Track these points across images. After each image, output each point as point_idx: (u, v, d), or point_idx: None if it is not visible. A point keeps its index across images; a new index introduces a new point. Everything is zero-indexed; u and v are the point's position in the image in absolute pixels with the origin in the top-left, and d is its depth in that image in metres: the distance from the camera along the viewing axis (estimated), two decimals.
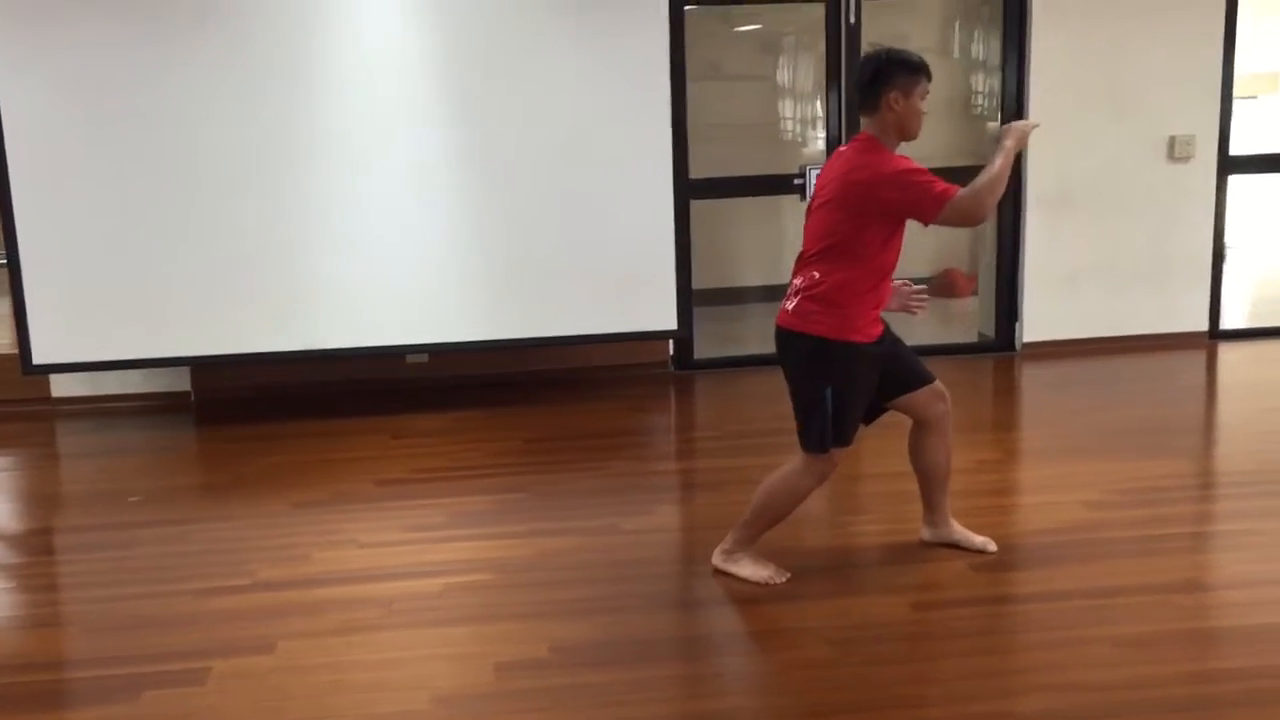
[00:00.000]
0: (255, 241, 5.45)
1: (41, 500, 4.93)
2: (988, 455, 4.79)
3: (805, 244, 3.44)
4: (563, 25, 5.48)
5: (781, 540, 3.69)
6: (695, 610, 3.57)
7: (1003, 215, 6.43)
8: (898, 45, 3.42)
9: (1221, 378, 6.26)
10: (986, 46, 6.87)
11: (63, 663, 3.38)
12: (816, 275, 3.37)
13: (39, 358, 5.46)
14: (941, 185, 3.23)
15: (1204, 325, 6.60)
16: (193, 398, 6.04)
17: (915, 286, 3.64)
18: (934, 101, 3.47)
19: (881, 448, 4.30)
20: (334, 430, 5.43)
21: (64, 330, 5.45)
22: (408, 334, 5.64)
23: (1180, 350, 6.45)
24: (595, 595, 3.56)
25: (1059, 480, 4.42)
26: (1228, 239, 6.67)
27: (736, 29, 7.91)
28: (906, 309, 3.64)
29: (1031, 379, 6.25)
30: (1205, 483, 4.61)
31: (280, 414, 5.74)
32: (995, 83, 6.55)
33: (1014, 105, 6.36)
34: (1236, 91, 6.49)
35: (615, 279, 5.68)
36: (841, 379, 3.39)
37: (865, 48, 5.98)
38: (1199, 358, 6.40)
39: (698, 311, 6.20)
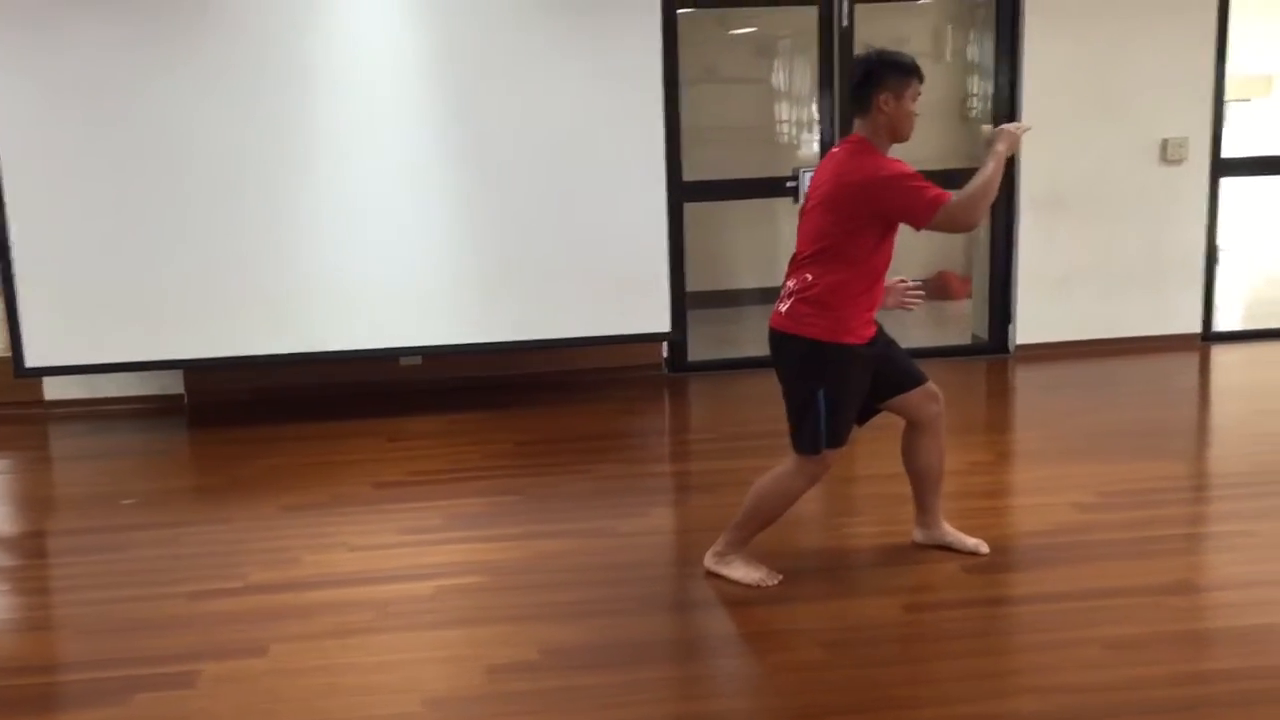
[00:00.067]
0: (250, 243, 5.45)
1: (35, 503, 4.92)
2: (981, 457, 4.79)
3: (799, 246, 3.45)
4: (557, 28, 5.49)
5: (774, 542, 3.70)
6: (688, 612, 3.57)
7: (996, 217, 6.43)
8: (891, 48, 3.43)
9: (1214, 380, 6.27)
10: (980, 49, 6.89)
11: (55, 665, 3.38)
12: (810, 277, 3.37)
13: (31, 361, 5.45)
14: (934, 191, 3.23)
15: (1197, 327, 6.61)
16: (186, 400, 6.04)
17: (911, 282, 3.65)
18: (927, 104, 3.48)
19: (874, 449, 4.30)
20: (329, 433, 5.43)
21: (57, 333, 5.43)
22: (402, 337, 5.64)
23: (1173, 352, 6.46)
24: (588, 598, 3.56)
25: (1052, 482, 4.43)
26: (1220, 241, 6.68)
27: (730, 32, 7.92)
28: (902, 305, 3.65)
29: (1025, 381, 6.26)
30: (1198, 484, 4.62)
31: (274, 417, 5.73)
32: (989, 85, 6.57)
33: (1007, 108, 6.37)
34: (1230, 95, 6.50)
35: (609, 281, 5.68)
36: (834, 381, 3.39)
37: (858, 50, 5.99)
38: (1192, 360, 6.41)
39: (692, 314, 6.22)
